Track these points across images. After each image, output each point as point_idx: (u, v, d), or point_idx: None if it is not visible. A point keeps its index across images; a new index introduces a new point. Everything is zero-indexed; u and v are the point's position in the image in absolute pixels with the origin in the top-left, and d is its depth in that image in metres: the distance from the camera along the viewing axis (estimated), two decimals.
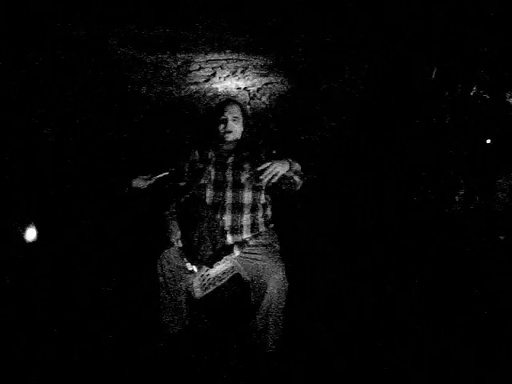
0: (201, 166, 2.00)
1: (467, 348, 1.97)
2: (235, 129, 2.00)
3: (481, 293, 2.42)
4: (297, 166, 1.88)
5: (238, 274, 1.98)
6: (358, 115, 3.56)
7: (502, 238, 2.63)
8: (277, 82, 3.32)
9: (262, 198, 2.00)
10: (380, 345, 2.03)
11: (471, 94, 2.78)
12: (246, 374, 1.84)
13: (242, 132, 2.06)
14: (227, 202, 1.91)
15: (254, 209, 1.96)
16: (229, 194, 1.92)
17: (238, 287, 2.10)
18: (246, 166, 1.98)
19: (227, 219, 1.90)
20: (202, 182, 1.95)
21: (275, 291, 1.80)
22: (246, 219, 1.93)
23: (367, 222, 3.25)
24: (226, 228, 1.90)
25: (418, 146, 3.34)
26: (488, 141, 3.03)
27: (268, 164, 1.72)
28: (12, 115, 2.68)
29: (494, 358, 1.89)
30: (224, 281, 2.02)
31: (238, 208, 1.91)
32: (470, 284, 2.51)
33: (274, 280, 1.79)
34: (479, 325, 2.11)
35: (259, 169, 1.72)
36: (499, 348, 1.95)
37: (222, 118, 1.98)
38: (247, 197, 1.94)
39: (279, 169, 1.72)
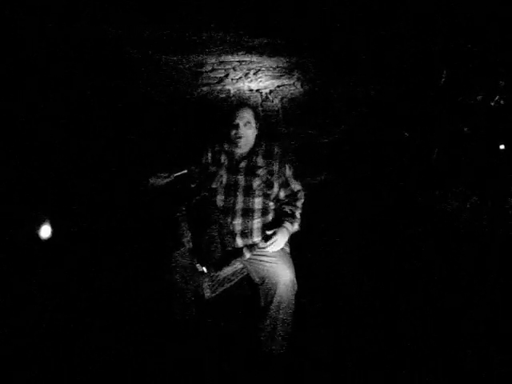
0: (213, 170, 2.00)
1: (470, 348, 1.96)
2: (247, 134, 1.98)
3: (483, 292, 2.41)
4: (295, 228, 2.00)
5: (248, 276, 1.98)
6: (371, 119, 3.54)
7: None
8: (289, 85, 3.33)
9: (272, 204, 2.01)
10: (387, 343, 2.03)
11: (492, 103, 2.75)
12: (254, 376, 1.85)
13: (256, 136, 2.05)
14: (238, 207, 1.91)
15: (264, 213, 1.96)
16: (240, 199, 1.92)
17: (247, 288, 2.10)
18: (259, 171, 1.97)
19: (237, 223, 1.90)
20: (214, 186, 1.95)
21: (284, 293, 1.81)
22: (256, 223, 1.92)
23: (376, 227, 3.23)
24: (236, 231, 1.90)
25: (430, 152, 3.32)
26: (502, 146, 3.00)
27: (272, 240, 1.86)
28: (24, 113, 2.71)
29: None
30: (234, 282, 2.02)
31: (248, 212, 1.91)
32: (479, 286, 2.50)
33: (284, 282, 1.80)
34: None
35: (268, 233, 1.89)
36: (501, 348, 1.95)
37: (234, 123, 1.97)
38: (258, 202, 1.93)
39: (280, 243, 1.88)
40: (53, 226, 2.54)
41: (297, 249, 2.13)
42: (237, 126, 1.96)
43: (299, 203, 2.04)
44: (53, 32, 2.70)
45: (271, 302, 1.81)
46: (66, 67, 2.83)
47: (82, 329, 2.09)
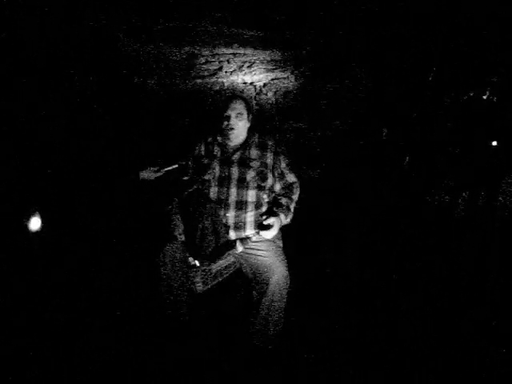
0: (206, 162, 1.99)
1: (468, 350, 1.97)
2: (238, 126, 1.97)
3: (483, 292, 2.43)
4: (287, 221, 1.99)
5: (241, 269, 1.98)
6: (363, 114, 3.54)
7: None
8: (283, 78, 3.31)
9: (266, 197, 1.99)
10: (385, 342, 2.04)
11: (484, 97, 2.77)
12: (246, 370, 1.84)
13: (248, 128, 2.04)
14: (231, 199, 1.90)
15: (257, 206, 1.95)
16: (233, 191, 1.91)
17: (239, 282, 2.10)
18: (253, 163, 1.96)
19: (231, 215, 1.89)
20: (207, 177, 1.94)
21: (277, 287, 1.80)
22: (249, 216, 1.92)
23: (370, 223, 3.24)
24: (230, 224, 1.89)
25: (422, 148, 3.33)
26: (494, 143, 3.01)
27: (268, 223, 1.86)
28: (16, 108, 2.67)
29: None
30: (226, 276, 2.01)
31: (241, 205, 1.90)
32: (472, 284, 2.52)
33: (276, 276, 1.80)
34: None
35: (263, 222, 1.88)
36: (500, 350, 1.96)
37: (225, 114, 1.96)
38: (251, 195, 1.92)
39: (273, 232, 1.88)
40: (52, 226, 2.51)
41: (292, 245, 2.13)
42: (228, 118, 1.95)
43: (294, 196, 2.04)
44: (49, 28, 2.65)
45: (263, 296, 1.81)
46: (64, 65, 2.78)
47: (82, 329, 2.07)
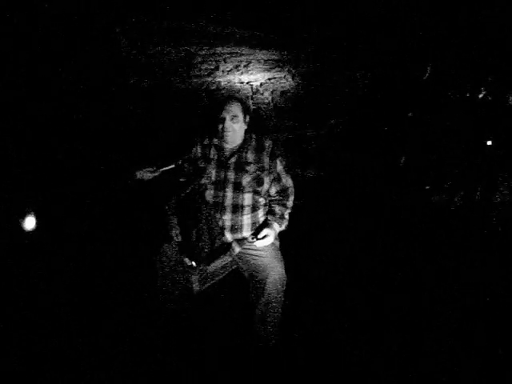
0: (202, 165, 1.97)
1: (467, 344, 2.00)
2: (234, 128, 1.93)
3: (481, 284, 2.46)
4: (282, 229, 2.04)
5: (238, 270, 1.99)
6: (361, 113, 3.55)
7: None
8: (280, 77, 3.31)
9: (262, 200, 2.00)
10: (378, 335, 2.06)
11: (480, 96, 2.78)
12: (244, 369, 1.86)
13: (245, 130, 2.01)
14: (227, 203, 1.90)
15: (254, 209, 1.95)
16: (229, 195, 1.90)
17: (236, 282, 2.11)
18: (249, 168, 1.94)
19: (227, 218, 1.89)
20: (203, 181, 1.93)
21: (274, 287, 1.82)
22: (246, 219, 1.92)
23: (369, 221, 3.26)
24: (226, 227, 1.90)
25: (420, 147, 3.34)
26: (489, 142, 3.03)
27: (261, 235, 1.91)
28: (14, 107, 2.66)
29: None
30: (223, 276, 2.02)
31: (237, 208, 1.90)
32: (471, 277, 2.54)
33: (273, 276, 1.81)
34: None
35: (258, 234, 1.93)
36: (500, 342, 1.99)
37: (221, 117, 1.92)
38: (247, 198, 1.92)
39: (267, 242, 1.92)
40: (50, 226, 2.51)
41: (291, 246, 2.15)
42: (223, 120, 1.91)
43: (289, 203, 2.05)
44: (45, 24, 2.64)
45: (261, 295, 1.82)
46: (58, 65, 2.77)
47: (81, 328, 2.07)
